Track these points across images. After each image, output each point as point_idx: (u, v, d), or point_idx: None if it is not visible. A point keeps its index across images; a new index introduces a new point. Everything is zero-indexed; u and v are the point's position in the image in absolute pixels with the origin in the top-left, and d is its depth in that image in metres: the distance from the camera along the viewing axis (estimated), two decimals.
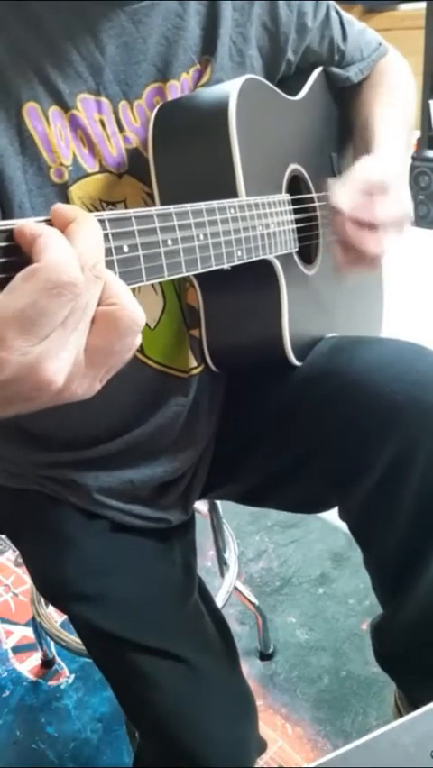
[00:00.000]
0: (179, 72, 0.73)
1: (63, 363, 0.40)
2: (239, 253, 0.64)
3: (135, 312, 0.42)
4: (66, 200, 0.67)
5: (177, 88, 0.73)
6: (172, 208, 0.53)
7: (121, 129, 0.70)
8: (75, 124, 0.67)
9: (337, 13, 0.90)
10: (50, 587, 0.79)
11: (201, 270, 0.57)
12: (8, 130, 0.63)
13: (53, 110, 0.66)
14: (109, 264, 0.45)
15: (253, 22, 0.79)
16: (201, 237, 0.57)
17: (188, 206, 0.55)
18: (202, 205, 0.58)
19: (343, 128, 0.97)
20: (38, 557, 0.80)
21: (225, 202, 0.62)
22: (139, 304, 0.42)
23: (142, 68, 0.71)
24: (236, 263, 0.63)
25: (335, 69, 0.92)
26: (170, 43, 0.72)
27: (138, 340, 0.43)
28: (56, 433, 0.79)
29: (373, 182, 0.77)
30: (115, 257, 0.45)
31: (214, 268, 0.59)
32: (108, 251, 0.45)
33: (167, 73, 0.72)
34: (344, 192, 0.76)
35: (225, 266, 0.62)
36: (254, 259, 0.67)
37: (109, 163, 0.69)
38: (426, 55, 3.00)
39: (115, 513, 0.80)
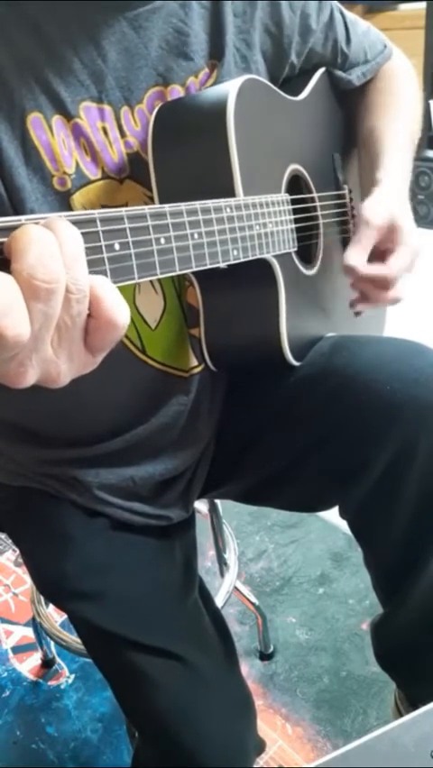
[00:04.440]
0: (184, 76, 0.73)
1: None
2: (235, 252, 0.64)
3: (119, 320, 0.42)
4: (69, 208, 0.67)
5: (179, 92, 0.73)
6: (167, 207, 0.53)
7: (123, 134, 0.70)
8: (78, 133, 0.67)
9: (341, 13, 0.89)
10: (50, 585, 0.79)
11: (195, 269, 0.57)
12: (13, 141, 0.64)
13: (56, 119, 0.66)
14: (99, 261, 0.45)
15: (257, 27, 0.78)
16: (195, 236, 0.57)
17: (182, 206, 0.55)
18: (197, 204, 0.58)
19: (346, 128, 0.97)
20: (38, 555, 0.81)
21: (221, 201, 0.62)
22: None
23: (144, 73, 0.71)
24: (232, 262, 0.63)
25: (337, 72, 0.92)
26: (171, 48, 0.72)
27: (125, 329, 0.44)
28: (58, 431, 0.79)
29: (380, 233, 0.79)
30: (105, 254, 0.46)
31: (209, 266, 0.59)
32: (98, 249, 0.45)
33: (168, 77, 0.72)
34: (354, 255, 0.77)
35: (221, 265, 0.62)
36: (251, 258, 0.67)
37: (111, 169, 0.70)
38: (426, 55, 3.00)
39: (115, 510, 0.80)
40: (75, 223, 0.42)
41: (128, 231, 0.48)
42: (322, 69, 0.90)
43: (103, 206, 0.70)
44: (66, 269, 0.40)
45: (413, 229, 0.81)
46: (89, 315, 0.42)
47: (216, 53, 0.75)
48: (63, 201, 0.67)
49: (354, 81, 0.93)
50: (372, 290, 0.81)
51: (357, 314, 0.90)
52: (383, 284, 0.80)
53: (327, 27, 0.87)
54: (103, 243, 0.45)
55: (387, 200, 0.81)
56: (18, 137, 0.64)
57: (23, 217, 0.40)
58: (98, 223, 0.45)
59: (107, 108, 0.68)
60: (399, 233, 0.79)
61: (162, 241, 0.52)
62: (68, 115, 0.66)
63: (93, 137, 0.68)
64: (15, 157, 0.64)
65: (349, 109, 0.96)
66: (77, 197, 0.67)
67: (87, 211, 0.45)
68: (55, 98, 0.65)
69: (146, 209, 0.50)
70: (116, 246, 0.47)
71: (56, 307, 0.40)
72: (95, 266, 0.44)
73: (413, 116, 0.95)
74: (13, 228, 0.39)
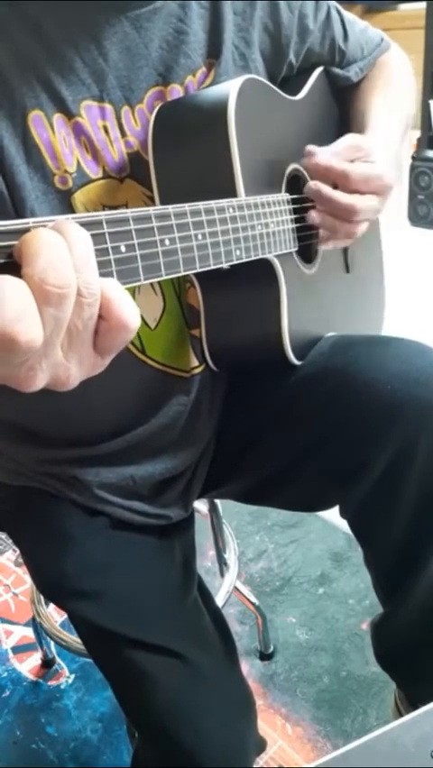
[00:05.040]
0: (183, 75, 0.73)
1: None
2: (237, 253, 0.64)
3: (130, 322, 0.42)
4: (70, 206, 0.67)
5: (179, 92, 0.73)
6: (171, 208, 0.53)
7: (123, 134, 0.70)
8: (79, 131, 0.67)
9: (338, 12, 0.90)
10: (50, 584, 0.79)
11: (199, 270, 0.57)
12: (14, 138, 0.64)
13: (57, 117, 0.66)
14: (106, 264, 0.45)
15: (255, 25, 0.78)
16: (199, 237, 0.57)
17: (186, 207, 0.56)
18: (200, 205, 0.58)
19: (344, 127, 0.97)
20: (38, 555, 0.81)
21: (224, 202, 0.62)
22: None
23: (144, 73, 0.71)
24: (235, 263, 0.63)
25: (335, 69, 0.92)
26: (171, 48, 0.72)
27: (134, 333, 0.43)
28: (58, 431, 0.79)
29: (354, 147, 0.77)
30: (111, 257, 0.45)
31: (212, 267, 0.59)
32: (105, 251, 0.45)
33: (168, 77, 0.72)
34: (321, 149, 0.75)
35: (224, 265, 0.62)
36: (253, 258, 0.67)
37: (111, 168, 0.70)
38: (426, 55, 3.00)
39: (115, 509, 0.80)
40: (81, 225, 0.42)
41: (134, 232, 0.48)
42: (320, 69, 0.90)
43: (103, 206, 0.70)
44: (77, 272, 0.39)
45: (389, 167, 0.79)
46: (100, 317, 0.42)
47: (213, 52, 0.75)
48: (64, 200, 0.67)
49: (353, 78, 0.93)
50: (328, 190, 0.74)
51: (318, 239, 0.81)
52: (341, 181, 0.75)
53: (325, 26, 0.87)
54: (109, 245, 0.45)
55: (370, 139, 0.81)
56: (19, 135, 0.64)
57: (30, 220, 0.40)
58: (104, 224, 0.45)
59: (108, 107, 0.68)
60: (372, 155, 0.77)
61: (167, 242, 0.52)
62: (69, 114, 0.66)
63: (94, 136, 0.68)
64: (16, 155, 0.64)
65: (345, 103, 0.96)
66: (78, 196, 0.68)
67: (93, 213, 0.45)
68: (56, 97, 0.65)
69: (151, 210, 0.50)
70: (122, 248, 0.46)
71: (67, 312, 0.39)
72: (102, 268, 0.44)
73: (404, 100, 0.94)
74: (22, 231, 0.39)
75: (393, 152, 0.83)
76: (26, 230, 0.39)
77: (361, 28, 0.94)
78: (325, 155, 0.74)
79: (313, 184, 0.75)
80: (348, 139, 0.78)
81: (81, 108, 0.67)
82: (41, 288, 0.38)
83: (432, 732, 0.48)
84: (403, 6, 4.12)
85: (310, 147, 0.75)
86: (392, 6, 4.18)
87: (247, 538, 1.60)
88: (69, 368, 0.42)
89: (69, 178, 0.67)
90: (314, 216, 0.77)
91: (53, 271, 0.38)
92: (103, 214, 0.45)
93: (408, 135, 0.94)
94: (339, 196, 0.74)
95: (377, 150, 0.79)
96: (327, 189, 0.74)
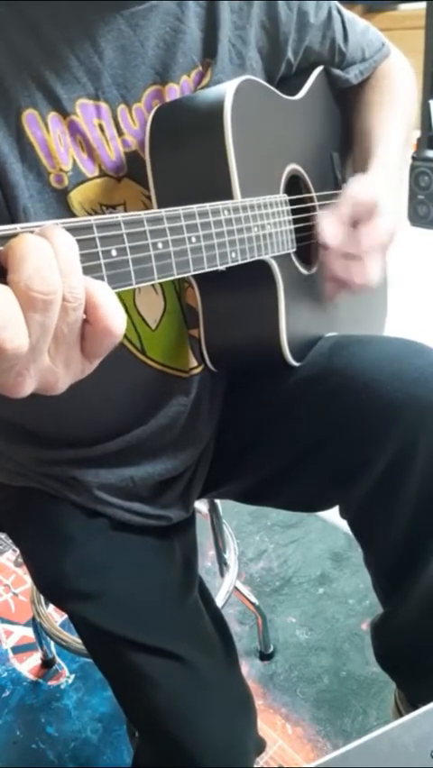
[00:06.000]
0: (179, 75, 0.73)
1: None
2: (233, 255, 0.64)
3: (115, 328, 0.42)
4: (66, 205, 0.67)
5: (176, 91, 0.73)
6: (163, 212, 0.53)
7: (120, 133, 0.70)
8: (74, 130, 0.67)
9: (339, 12, 0.89)
10: (50, 585, 0.79)
11: (193, 273, 0.57)
12: (8, 137, 0.64)
13: (52, 116, 0.66)
14: (96, 268, 0.45)
15: (253, 23, 0.78)
16: (193, 240, 0.57)
17: (180, 210, 0.55)
18: (194, 207, 0.58)
19: (343, 127, 0.97)
20: (38, 555, 0.81)
21: (219, 204, 0.62)
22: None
23: (141, 72, 0.71)
24: (231, 264, 0.63)
25: (335, 70, 0.92)
26: (168, 46, 0.72)
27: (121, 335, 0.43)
28: (57, 431, 0.79)
29: (359, 208, 0.78)
30: (102, 261, 0.45)
31: (207, 270, 0.59)
32: (95, 256, 0.45)
33: (165, 76, 0.72)
34: (329, 224, 0.77)
35: (220, 267, 0.62)
36: (249, 260, 0.67)
37: (108, 167, 0.70)
38: (426, 55, 3.00)
39: (115, 510, 0.80)
40: (71, 229, 0.42)
41: (125, 236, 0.48)
42: (319, 68, 0.90)
43: (101, 205, 0.70)
44: (62, 277, 0.39)
45: (394, 217, 0.80)
46: (86, 321, 0.42)
47: (210, 51, 0.75)
48: (60, 199, 0.67)
49: (352, 80, 0.93)
50: (341, 265, 0.79)
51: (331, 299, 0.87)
52: (352, 256, 0.78)
53: (325, 25, 0.87)
54: (100, 249, 0.45)
55: (374, 183, 0.81)
56: (13, 133, 0.64)
57: (18, 226, 0.40)
58: (95, 229, 0.45)
59: (104, 106, 0.68)
60: (378, 209, 0.78)
61: (160, 245, 0.52)
62: (63, 112, 0.66)
63: (89, 134, 0.68)
64: (10, 153, 0.64)
65: (347, 108, 0.96)
66: (74, 195, 0.67)
67: (84, 218, 0.45)
68: (51, 95, 0.65)
69: (143, 214, 0.50)
70: (113, 252, 0.47)
71: (53, 317, 0.39)
72: (92, 272, 0.44)
73: (408, 115, 0.94)
74: (8, 237, 0.39)
75: (394, 179, 0.85)
76: (12, 236, 0.39)
77: (361, 29, 0.93)
78: (334, 238, 0.76)
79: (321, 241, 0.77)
80: (353, 196, 0.78)
81: (76, 106, 0.67)
82: (27, 295, 0.38)
83: (432, 732, 0.49)
84: (403, 6, 4.12)
85: (322, 240, 0.76)
86: (392, 6, 4.18)
87: (247, 538, 1.60)
88: (57, 372, 0.42)
89: (64, 176, 0.67)
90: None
91: (39, 278, 0.38)
92: (93, 219, 0.45)
93: (410, 142, 0.95)
94: (355, 278, 0.79)
95: (382, 196, 0.79)
96: (342, 268, 0.79)
